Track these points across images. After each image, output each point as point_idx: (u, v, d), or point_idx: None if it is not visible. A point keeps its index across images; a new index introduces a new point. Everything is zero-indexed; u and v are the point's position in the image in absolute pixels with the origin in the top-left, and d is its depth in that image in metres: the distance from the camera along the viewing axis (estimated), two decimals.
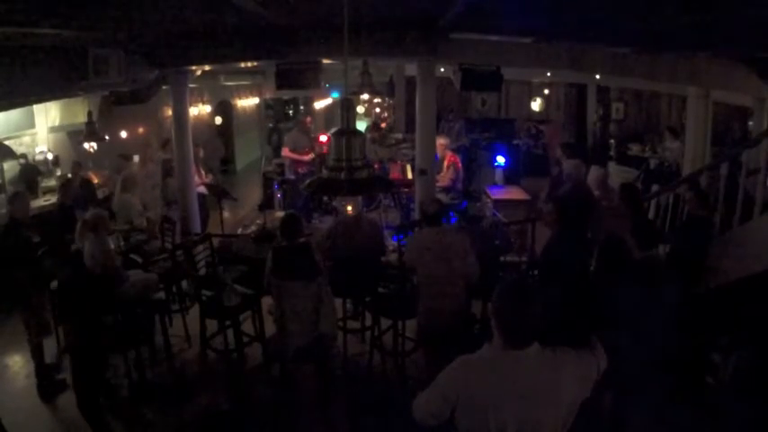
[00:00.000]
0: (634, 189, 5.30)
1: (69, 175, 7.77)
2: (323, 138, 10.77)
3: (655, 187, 8.06)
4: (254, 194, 11.18)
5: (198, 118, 11.45)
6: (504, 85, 7.66)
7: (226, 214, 8.23)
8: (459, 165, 8.24)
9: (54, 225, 5.82)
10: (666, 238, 5.06)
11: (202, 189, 7.91)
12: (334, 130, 2.77)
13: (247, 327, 5.13)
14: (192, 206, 7.19)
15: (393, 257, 5.30)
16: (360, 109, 17.81)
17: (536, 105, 14.72)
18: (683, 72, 6.24)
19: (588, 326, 2.52)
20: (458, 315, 4.18)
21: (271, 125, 18.07)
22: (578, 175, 5.99)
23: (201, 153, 8.37)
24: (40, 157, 8.03)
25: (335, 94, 16.12)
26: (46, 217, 6.26)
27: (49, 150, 8.20)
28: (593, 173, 6.48)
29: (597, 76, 10.67)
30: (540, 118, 14.59)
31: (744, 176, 4.56)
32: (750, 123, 8.25)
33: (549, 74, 12.18)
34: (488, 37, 6.15)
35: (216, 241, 5.75)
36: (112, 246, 5.14)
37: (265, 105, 18.17)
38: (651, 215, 6.05)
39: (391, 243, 6.23)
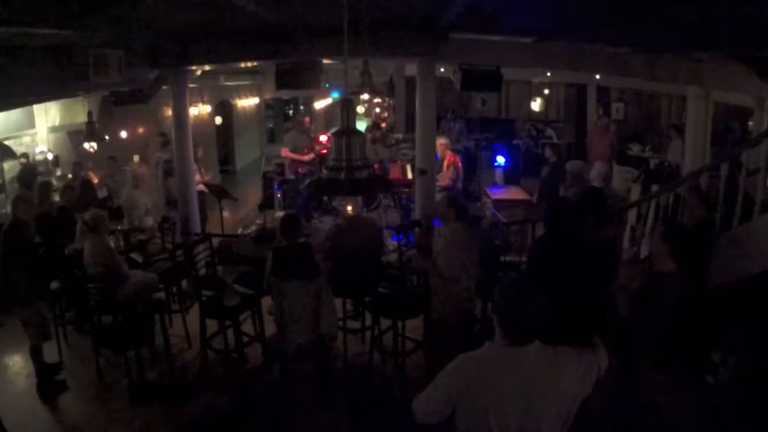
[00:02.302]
0: (599, 192, 5.18)
1: (70, 176, 7.77)
2: (323, 138, 10.77)
3: (655, 187, 8.07)
4: (254, 194, 11.18)
5: (198, 118, 11.44)
6: (504, 85, 7.65)
7: (226, 214, 8.23)
8: (459, 164, 8.24)
9: (53, 227, 5.83)
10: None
11: (202, 187, 7.91)
12: (334, 130, 2.78)
13: (247, 327, 5.12)
14: (192, 206, 7.19)
15: (393, 257, 5.29)
16: (360, 109, 17.79)
17: (536, 105, 14.72)
18: (682, 72, 6.24)
19: (589, 325, 2.53)
20: (470, 308, 4.24)
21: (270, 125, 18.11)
22: (582, 174, 5.99)
23: (200, 152, 8.37)
24: (40, 157, 8.03)
25: (335, 94, 16.12)
26: (45, 218, 6.26)
27: (49, 150, 8.20)
28: (597, 168, 6.51)
29: (597, 76, 10.68)
30: (540, 118, 14.61)
31: (744, 176, 4.56)
32: (750, 123, 8.26)
33: (549, 74, 12.18)
34: (488, 37, 6.15)
35: (216, 241, 5.75)
36: (113, 245, 5.16)
37: (265, 105, 18.17)
38: (651, 215, 6.04)
39: (391, 243, 6.22)
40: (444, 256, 4.20)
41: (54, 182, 7.76)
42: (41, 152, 8.08)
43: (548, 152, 8.11)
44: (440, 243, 4.30)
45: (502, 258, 5.69)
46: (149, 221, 6.80)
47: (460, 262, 4.15)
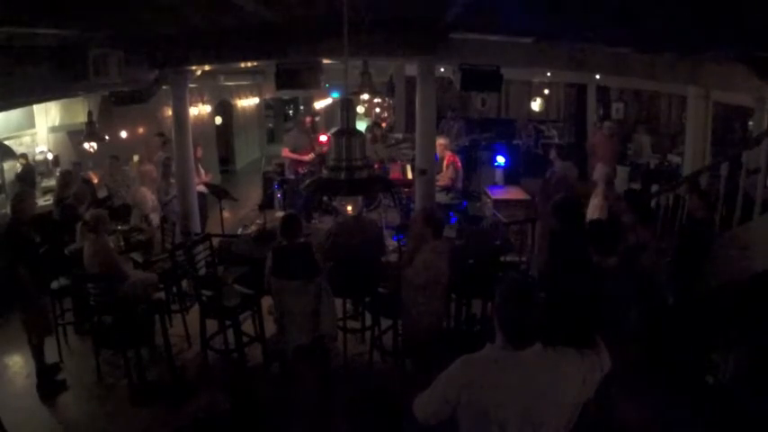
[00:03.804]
0: (639, 195, 5.27)
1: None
2: (323, 138, 10.77)
3: (655, 187, 8.06)
4: (254, 194, 11.18)
5: (198, 118, 11.43)
6: (504, 85, 7.64)
7: (226, 214, 8.23)
8: (459, 164, 8.25)
9: (55, 225, 5.83)
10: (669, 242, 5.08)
11: (202, 188, 7.91)
12: (334, 130, 2.78)
13: (247, 327, 5.12)
14: (192, 206, 7.18)
15: (393, 257, 5.29)
16: (360, 109, 17.79)
17: (536, 105, 14.72)
18: (682, 72, 6.23)
19: (591, 326, 2.52)
20: (441, 319, 4.28)
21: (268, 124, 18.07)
22: (571, 177, 5.98)
23: (200, 152, 8.36)
24: (40, 157, 8.03)
25: (335, 94, 16.11)
26: (46, 217, 6.28)
27: (49, 150, 8.20)
28: (600, 170, 6.50)
29: (597, 76, 10.67)
30: (541, 118, 14.62)
31: (744, 177, 4.56)
32: (750, 123, 8.26)
33: (549, 74, 12.18)
34: (488, 37, 6.14)
35: (216, 241, 5.75)
36: (113, 245, 5.16)
37: (265, 105, 18.17)
38: None
39: (391, 243, 6.23)
40: (424, 273, 4.11)
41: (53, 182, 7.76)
42: (41, 152, 8.07)
43: (552, 154, 8.08)
44: (420, 259, 4.13)
45: (502, 258, 5.69)
46: (156, 219, 6.80)
47: (437, 279, 4.09)
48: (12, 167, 7.54)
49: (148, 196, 6.77)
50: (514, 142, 12.99)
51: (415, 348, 4.37)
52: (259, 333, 5.06)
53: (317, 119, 16.01)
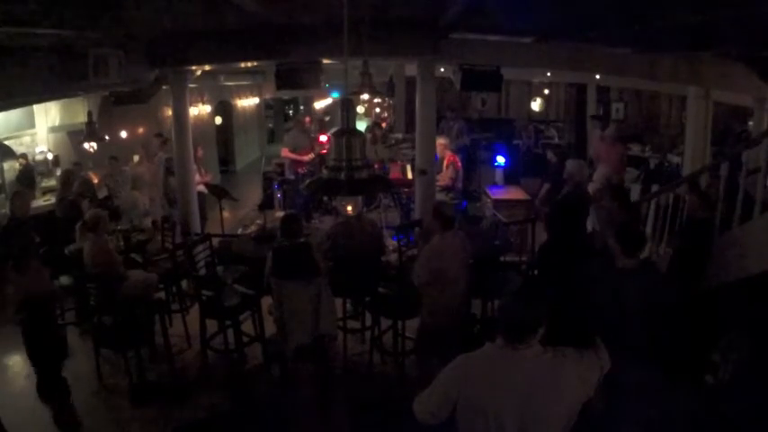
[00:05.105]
0: (622, 190, 5.33)
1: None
2: (323, 138, 10.77)
3: (655, 187, 8.05)
4: (254, 194, 11.18)
5: (198, 118, 11.43)
6: (504, 85, 7.65)
7: (226, 214, 8.23)
8: (459, 164, 8.25)
9: (56, 224, 5.84)
10: (669, 242, 5.08)
11: (202, 188, 7.91)
12: (334, 130, 2.78)
13: (247, 327, 5.12)
14: (192, 206, 7.18)
15: (393, 257, 5.30)
16: (360, 109, 17.77)
17: (536, 105, 14.73)
18: (683, 72, 6.23)
19: (591, 327, 2.53)
20: (461, 312, 4.25)
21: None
22: (581, 176, 5.96)
23: (200, 152, 8.36)
24: (40, 157, 8.02)
25: (335, 94, 16.10)
26: (47, 217, 6.28)
27: (49, 150, 8.20)
28: (600, 170, 6.49)
29: (597, 76, 10.67)
30: (541, 118, 14.61)
31: (744, 176, 4.55)
32: (750, 123, 8.25)
33: (549, 74, 12.17)
34: (488, 37, 6.14)
35: (216, 241, 5.75)
36: (112, 246, 5.17)
37: (265, 105, 18.17)
38: (651, 215, 6.04)
39: (391, 243, 6.23)
40: (428, 265, 4.10)
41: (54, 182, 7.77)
42: (41, 152, 8.07)
43: (550, 154, 8.08)
44: (426, 252, 4.15)
45: (502, 258, 5.69)
46: (148, 223, 6.79)
47: (450, 272, 4.09)
48: (12, 167, 7.54)
49: (138, 201, 6.76)
50: (514, 142, 12.99)
51: (423, 346, 4.36)
52: (259, 333, 5.06)
53: (327, 119, 16.00)
